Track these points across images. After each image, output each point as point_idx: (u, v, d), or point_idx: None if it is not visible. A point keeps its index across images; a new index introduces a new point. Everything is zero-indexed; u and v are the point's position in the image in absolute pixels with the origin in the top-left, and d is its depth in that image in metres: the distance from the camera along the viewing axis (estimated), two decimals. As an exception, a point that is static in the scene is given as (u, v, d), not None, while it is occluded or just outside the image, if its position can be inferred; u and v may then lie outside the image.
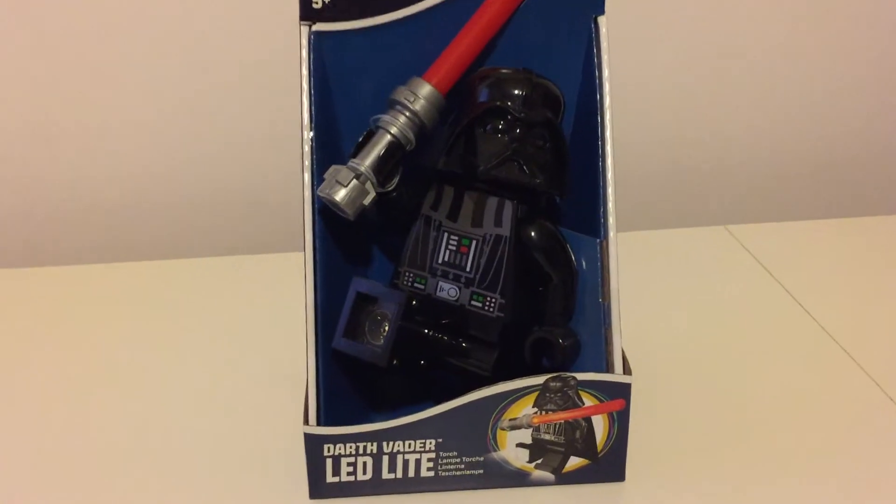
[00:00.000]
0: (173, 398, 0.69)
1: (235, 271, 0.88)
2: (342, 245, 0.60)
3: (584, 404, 0.56)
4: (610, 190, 0.58)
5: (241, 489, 0.58)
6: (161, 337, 0.77)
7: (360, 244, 0.63)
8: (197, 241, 0.95)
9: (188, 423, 0.66)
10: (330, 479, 0.57)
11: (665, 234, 0.91)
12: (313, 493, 0.57)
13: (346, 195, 0.54)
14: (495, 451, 0.57)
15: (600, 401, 0.56)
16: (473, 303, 0.57)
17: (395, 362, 0.55)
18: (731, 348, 0.74)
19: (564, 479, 0.58)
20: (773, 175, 1.00)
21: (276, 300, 0.79)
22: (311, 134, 0.58)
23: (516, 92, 0.55)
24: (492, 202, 0.57)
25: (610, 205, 0.58)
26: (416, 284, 0.58)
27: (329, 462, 0.56)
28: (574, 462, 0.57)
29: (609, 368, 0.57)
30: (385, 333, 0.55)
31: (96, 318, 0.80)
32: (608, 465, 0.58)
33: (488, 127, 0.55)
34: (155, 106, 0.91)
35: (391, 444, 0.56)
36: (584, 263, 0.59)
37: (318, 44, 0.59)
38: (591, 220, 0.59)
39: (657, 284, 0.83)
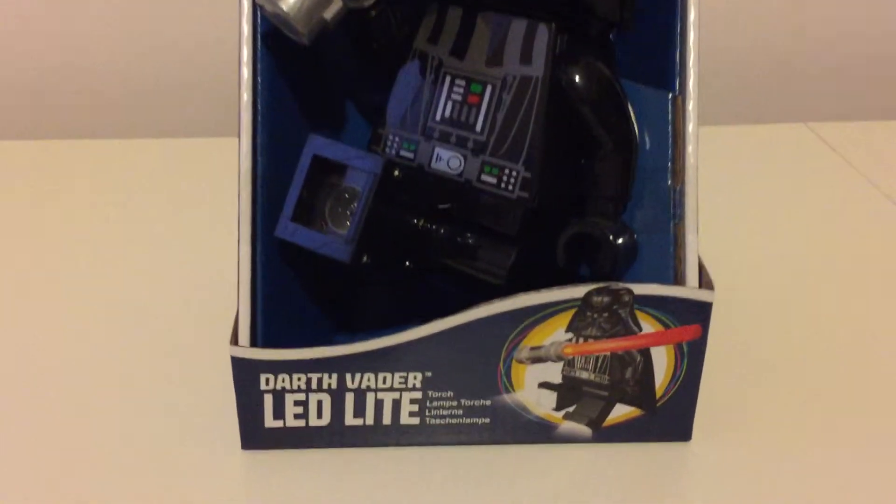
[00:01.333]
0: (79, 304, 0.52)
1: (164, 156, 0.71)
2: (296, 90, 0.41)
3: (640, 331, 0.38)
4: (693, 14, 0.39)
5: (150, 433, 0.42)
6: (68, 227, 0.61)
7: (323, 96, 0.44)
8: (114, 120, 0.78)
9: (95, 336, 0.49)
10: (270, 423, 0.40)
11: (741, 131, 0.73)
12: (246, 443, 0.40)
13: (297, 3, 0.36)
14: (509, 392, 0.39)
15: (666, 326, 0.38)
16: (485, 178, 0.39)
17: (365, 259, 0.38)
18: (829, 269, 0.56)
19: (605, 435, 0.41)
20: (858, 72, 0.81)
21: (213, 190, 0.61)
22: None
23: None
24: (518, 27, 0.38)
25: (691, 38, 0.39)
26: (402, 152, 0.40)
27: (268, 400, 0.39)
28: (620, 412, 0.40)
29: (679, 280, 0.39)
30: (352, 214, 0.38)
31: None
32: (669, 419, 0.41)
33: None
34: None
35: (359, 377, 0.39)
36: (644, 128, 0.40)
37: None
38: (656, 64, 0.40)
39: (735, 188, 0.65)
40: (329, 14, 0.36)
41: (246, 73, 0.39)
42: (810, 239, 0.60)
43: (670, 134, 0.40)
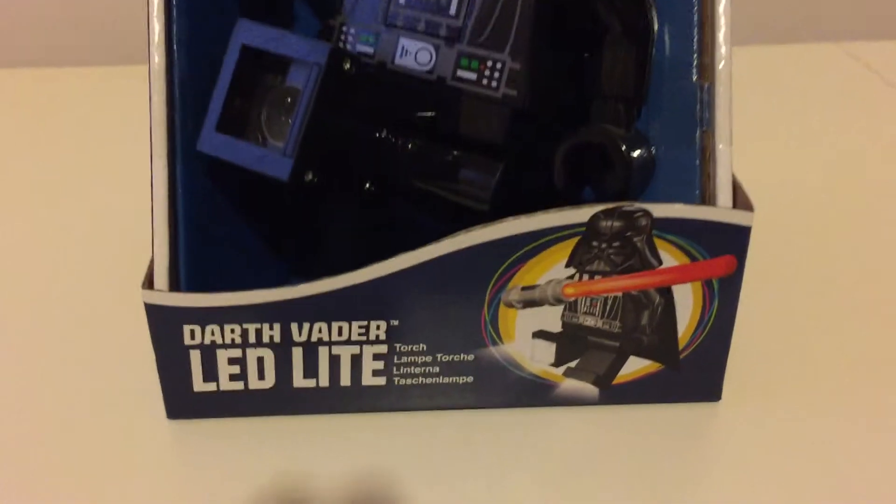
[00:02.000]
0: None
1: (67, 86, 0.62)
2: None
3: (660, 264, 0.30)
4: None
5: (55, 403, 0.34)
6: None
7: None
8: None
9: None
10: (199, 386, 0.32)
11: (774, 51, 0.64)
12: (172, 411, 0.33)
13: None
14: (495, 344, 0.32)
15: (692, 259, 0.30)
16: (462, 73, 0.30)
17: (310, 177, 0.30)
18: (874, 198, 0.48)
19: (614, 395, 0.33)
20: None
21: (124, 122, 0.52)
22: None
23: None
24: None
25: None
26: (359, 47, 0.32)
27: (196, 357, 0.31)
28: (634, 367, 0.33)
29: (707, 199, 0.31)
30: (292, 116, 0.29)
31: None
32: (694, 375, 0.33)
33: None
34: None
35: (308, 327, 0.31)
36: (665, 15, 0.32)
37: None
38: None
39: (769, 113, 0.57)
40: None
41: (155, -57, 0.30)
42: (851, 164, 0.52)
43: (696, 18, 0.32)
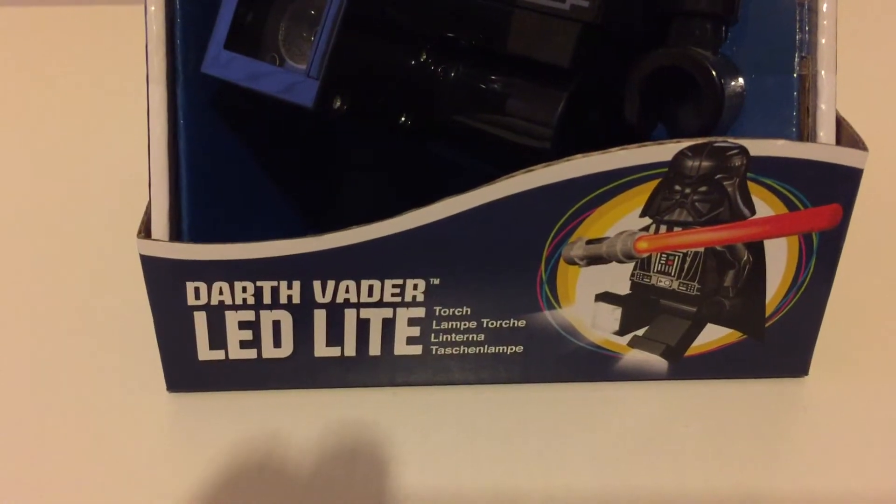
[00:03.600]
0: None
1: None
2: None
3: (753, 213, 0.25)
4: None
5: (46, 374, 0.29)
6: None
7: None
8: None
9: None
10: (205, 355, 0.27)
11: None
12: (174, 383, 0.28)
13: None
14: (552, 308, 0.27)
15: (791, 207, 0.25)
16: (518, -19, 0.25)
17: (338, 104, 0.25)
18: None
19: (686, 369, 0.28)
20: None
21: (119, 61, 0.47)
22: None
23: None
24: None
25: None
26: (395, -48, 0.27)
27: (201, 320, 0.26)
28: (711, 337, 0.28)
29: (806, 137, 0.26)
30: (318, 30, 0.24)
31: None
32: (779, 346, 0.28)
33: None
34: None
35: (333, 286, 0.26)
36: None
37: None
38: None
39: (872, 46, 0.50)
40: None
41: None
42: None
43: (796, -82, 0.27)
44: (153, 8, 0.25)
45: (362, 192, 0.31)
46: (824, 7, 0.26)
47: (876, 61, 0.48)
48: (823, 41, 0.26)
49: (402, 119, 0.27)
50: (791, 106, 0.27)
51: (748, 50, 0.27)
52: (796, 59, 0.27)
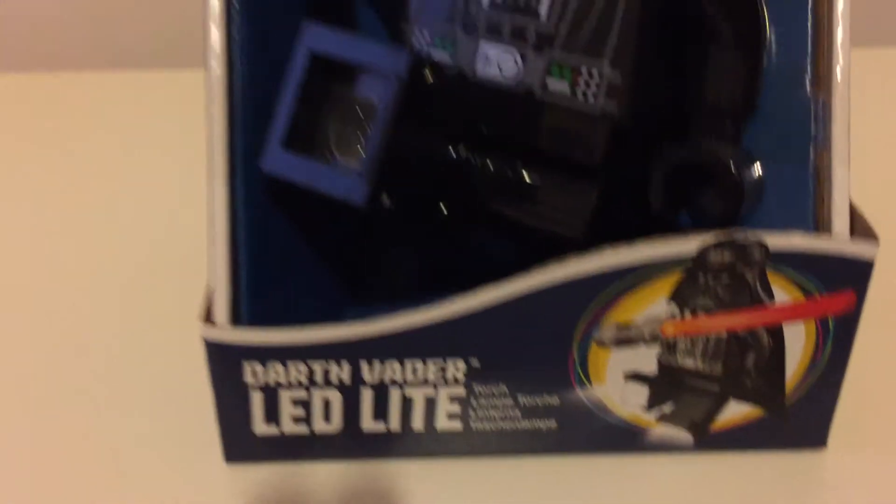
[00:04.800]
0: (16, 269, 0.41)
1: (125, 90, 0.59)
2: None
3: (772, 300, 0.27)
4: None
5: (102, 445, 0.31)
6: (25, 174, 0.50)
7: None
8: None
9: (36, 312, 0.38)
10: (261, 429, 0.29)
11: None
12: (231, 455, 0.30)
13: None
14: (584, 386, 0.29)
15: (808, 294, 0.27)
16: (552, 84, 0.27)
17: (385, 201, 0.27)
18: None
19: (711, 442, 0.30)
20: None
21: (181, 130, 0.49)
22: None
23: None
24: None
25: None
26: (435, 53, 0.29)
27: (257, 398, 0.28)
28: (734, 413, 0.29)
29: (821, 227, 0.28)
30: (368, 136, 0.27)
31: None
32: (799, 421, 0.30)
33: None
34: None
35: (379, 366, 0.28)
36: (776, 19, 0.29)
37: None
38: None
39: (885, 122, 0.52)
40: None
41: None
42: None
43: (810, 23, 0.28)
44: (216, 110, 0.28)
45: (409, 273, 0.33)
46: (839, 103, 0.28)
47: (879, 144, 0.50)
48: (838, 135, 0.28)
49: (443, 208, 0.30)
50: (807, 196, 0.28)
51: (766, 140, 0.29)
52: (812, 151, 0.29)
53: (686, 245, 0.26)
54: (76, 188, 0.48)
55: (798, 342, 0.28)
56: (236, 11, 0.28)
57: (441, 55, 0.29)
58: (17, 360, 0.36)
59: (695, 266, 0.27)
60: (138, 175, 0.49)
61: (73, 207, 0.46)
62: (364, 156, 0.26)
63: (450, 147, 0.29)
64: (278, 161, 0.27)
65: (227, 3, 0.28)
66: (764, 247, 0.26)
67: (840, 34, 0.28)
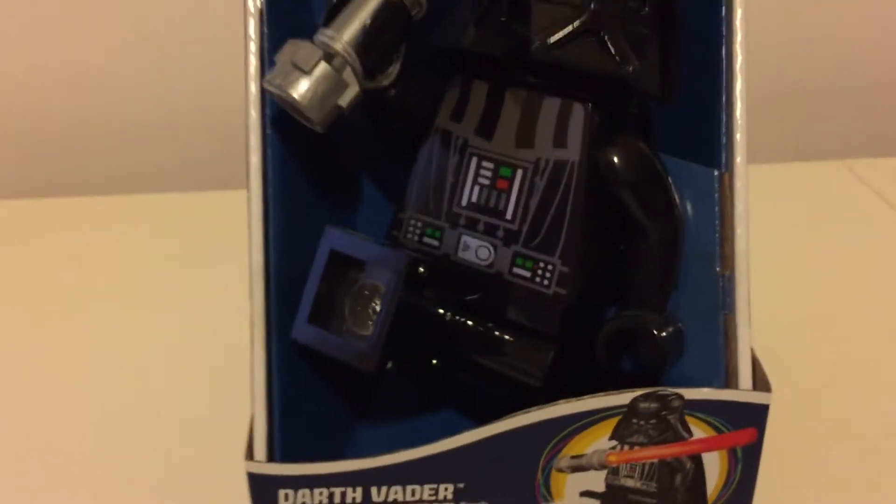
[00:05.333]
0: (66, 400, 0.49)
1: (163, 212, 0.67)
2: (309, 175, 0.38)
3: (691, 436, 0.35)
4: (739, 87, 0.36)
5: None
6: (67, 295, 0.57)
7: (337, 172, 0.41)
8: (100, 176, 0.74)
9: (89, 437, 0.46)
10: (290, 540, 0.37)
11: (774, 170, 0.69)
12: (267, 562, 0.37)
13: (309, 90, 0.32)
14: (547, 501, 0.36)
15: (718, 431, 0.35)
16: (517, 270, 0.35)
17: (390, 366, 0.35)
18: (880, 321, 0.53)
19: (652, 541, 0.38)
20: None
21: (218, 250, 0.57)
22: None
23: None
24: (550, 106, 0.35)
25: (738, 111, 0.36)
26: (425, 239, 0.37)
27: (289, 516, 0.36)
28: (668, 518, 0.37)
29: (730, 379, 0.36)
30: (375, 319, 0.34)
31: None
32: (721, 523, 0.37)
33: (549, -23, 0.33)
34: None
35: (385, 489, 0.35)
36: (689, 208, 0.37)
37: None
38: (702, 138, 0.37)
39: (771, 233, 0.61)
40: (345, 101, 0.33)
41: (255, 160, 0.36)
42: (852, 292, 0.56)
43: (717, 215, 0.37)
44: (256, 294, 0.35)
45: (407, 401, 0.41)
46: (740, 279, 0.36)
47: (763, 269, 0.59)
48: (740, 304, 0.36)
49: (434, 362, 0.37)
50: (719, 350, 0.36)
51: (685, 305, 0.37)
52: (721, 315, 0.36)
53: (622, 398, 0.34)
54: (125, 314, 0.56)
55: (714, 466, 0.36)
56: (272, 212, 0.36)
57: (431, 242, 0.37)
58: (69, 495, 0.43)
59: (629, 412, 0.34)
60: (184, 293, 0.57)
61: (125, 334, 0.54)
62: (372, 331, 0.34)
63: (440, 313, 0.37)
64: (305, 333, 0.35)
65: (264, 211, 0.36)
66: (681, 398, 0.34)
67: (740, 226, 0.36)
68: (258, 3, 0.36)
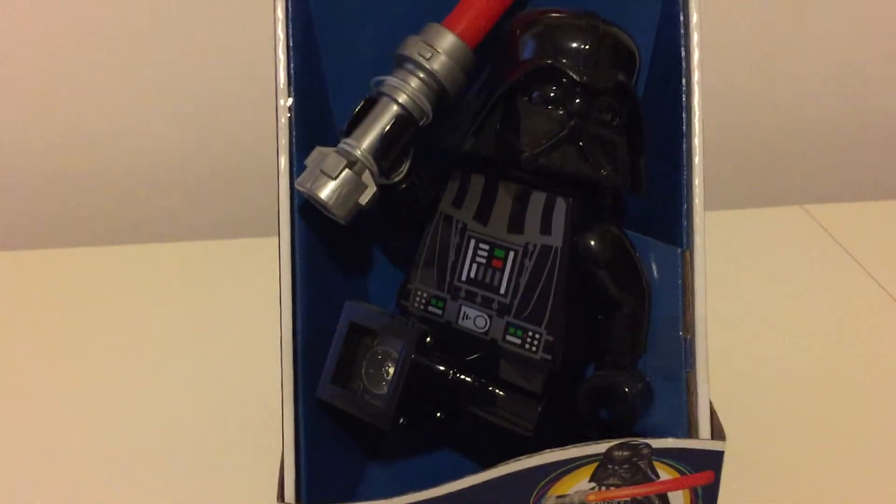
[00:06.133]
0: (103, 444, 0.54)
1: (197, 259, 0.73)
2: (331, 249, 0.44)
3: (658, 478, 0.41)
4: (697, 180, 0.42)
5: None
6: (101, 341, 0.63)
7: (355, 246, 0.47)
8: (146, 224, 0.79)
9: (123, 479, 0.51)
10: (316, 571, 0.42)
11: (734, 216, 0.76)
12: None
13: (334, 192, 0.38)
14: (536, 534, 0.42)
15: (682, 473, 0.41)
16: (509, 338, 0.41)
17: (402, 421, 0.41)
18: (834, 366, 0.59)
19: (626, 566, 0.44)
20: (854, 151, 0.84)
21: (250, 295, 0.63)
22: (290, 102, 0.42)
23: (575, 45, 0.39)
24: (537, 199, 0.41)
25: (696, 200, 0.42)
26: (430, 308, 0.43)
27: (314, 548, 0.42)
28: (640, 546, 0.43)
29: (692, 428, 0.42)
30: (389, 380, 0.40)
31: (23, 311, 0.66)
32: (685, 550, 0.44)
33: (535, 95, 0.39)
34: (109, 76, 0.75)
35: (397, 525, 0.41)
36: (656, 280, 0.43)
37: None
38: (667, 221, 0.43)
39: (730, 276, 0.68)
40: (364, 199, 0.39)
41: (286, 248, 0.41)
42: (810, 338, 0.63)
43: (680, 286, 0.43)
44: (286, 363, 0.41)
45: (414, 442, 0.46)
46: (699, 342, 0.42)
47: (724, 315, 0.65)
48: (700, 363, 0.42)
49: (438, 415, 0.43)
50: (683, 403, 0.42)
51: (654, 363, 0.43)
52: (684, 372, 0.43)
53: (599, 447, 0.40)
54: (158, 353, 0.61)
55: (679, 502, 0.42)
56: (298, 292, 0.42)
57: (434, 310, 0.43)
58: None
59: (605, 459, 0.40)
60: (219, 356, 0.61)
61: (155, 370, 0.59)
62: (387, 391, 0.40)
63: (442, 369, 0.43)
64: (328, 392, 0.41)
65: (292, 287, 0.41)
66: (649, 447, 0.40)
67: (699, 297, 0.42)
68: (287, 103, 0.42)
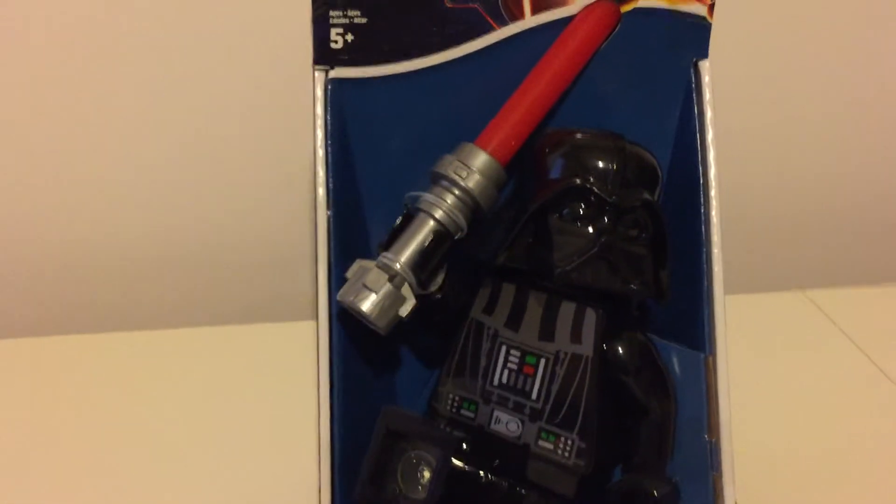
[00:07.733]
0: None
1: (234, 342, 0.74)
2: (366, 353, 0.46)
3: (687, 574, 0.42)
4: (718, 288, 0.44)
5: None
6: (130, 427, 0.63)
7: (386, 346, 0.49)
8: (187, 309, 0.81)
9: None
10: None
11: (737, 301, 0.78)
12: None
13: (376, 305, 0.40)
14: None
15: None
16: (542, 443, 0.43)
17: (439, 518, 0.42)
18: (849, 456, 0.60)
19: None
20: (856, 235, 0.87)
21: (287, 381, 0.64)
22: (330, 213, 0.44)
23: (603, 165, 0.42)
24: (567, 309, 0.43)
25: (718, 308, 0.44)
26: (462, 411, 0.45)
27: None
28: None
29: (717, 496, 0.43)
30: (426, 484, 0.41)
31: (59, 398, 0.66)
32: None
33: (566, 212, 0.42)
34: (147, 164, 0.77)
35: None
36: (681, 384, 0.45)
37: (337, 94, 0.45)
38: (688, 327, 0.45)
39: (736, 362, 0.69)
40: (404, 312, 0.41)
41: (324, 353, 0.43)
42: (811, 427, 0.64)
43: (704, 391, 0.44)
44: (324, 466, 0.42)
45: None
46: (725, 445, 0.43)
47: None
48: (725, 465, 0.43)
49: (473, 518, 0.44)
50: (707, 475, 0.43)
51: (681, 465, 0.44)
52: (711, 474, 0.44)
53: (630, 550, 0.41)
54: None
55: None
56: (335, 381, 0.43)
57: (467, 413, 0.44)
58: None
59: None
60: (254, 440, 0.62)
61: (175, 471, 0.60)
62: (425, 495, 0.41)
63: (479, 472, 0.44)
64: (365, 495, 0.42)
65: (330, 395, 0.43)
66: (679, 550, 0.41)
67: (723, 400, 0.44)
68: (326, 214, 0.44)
